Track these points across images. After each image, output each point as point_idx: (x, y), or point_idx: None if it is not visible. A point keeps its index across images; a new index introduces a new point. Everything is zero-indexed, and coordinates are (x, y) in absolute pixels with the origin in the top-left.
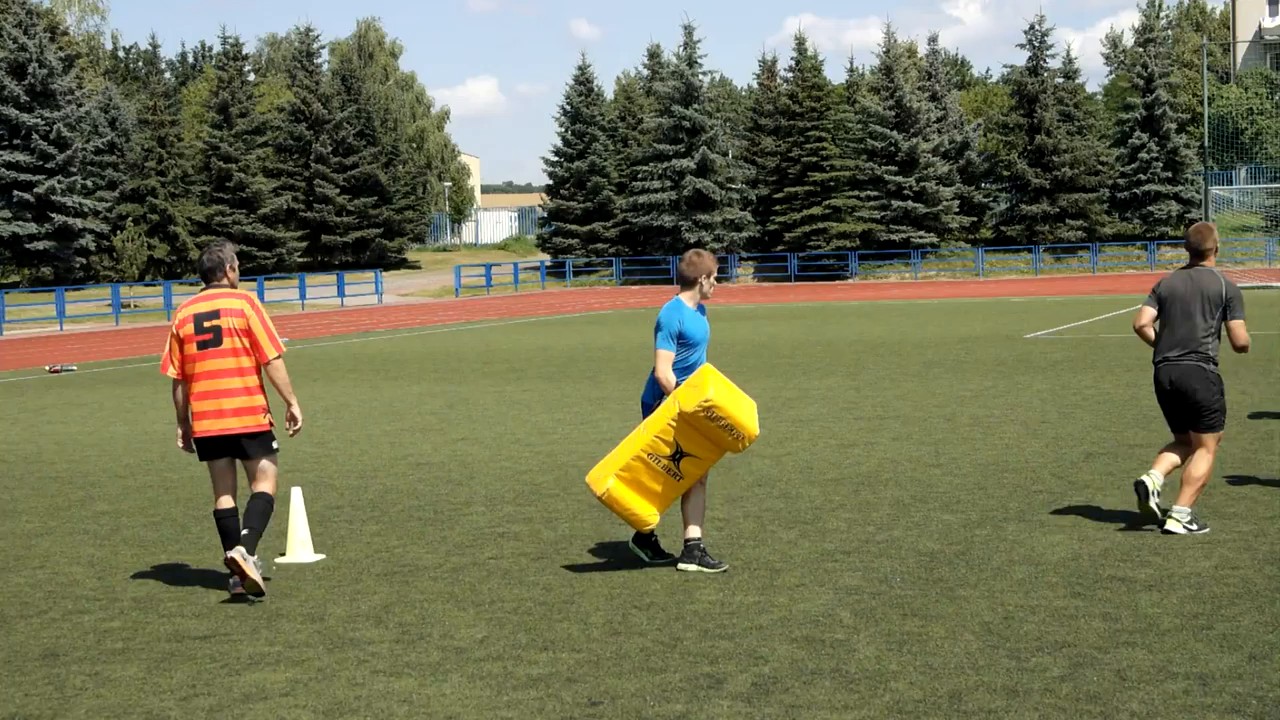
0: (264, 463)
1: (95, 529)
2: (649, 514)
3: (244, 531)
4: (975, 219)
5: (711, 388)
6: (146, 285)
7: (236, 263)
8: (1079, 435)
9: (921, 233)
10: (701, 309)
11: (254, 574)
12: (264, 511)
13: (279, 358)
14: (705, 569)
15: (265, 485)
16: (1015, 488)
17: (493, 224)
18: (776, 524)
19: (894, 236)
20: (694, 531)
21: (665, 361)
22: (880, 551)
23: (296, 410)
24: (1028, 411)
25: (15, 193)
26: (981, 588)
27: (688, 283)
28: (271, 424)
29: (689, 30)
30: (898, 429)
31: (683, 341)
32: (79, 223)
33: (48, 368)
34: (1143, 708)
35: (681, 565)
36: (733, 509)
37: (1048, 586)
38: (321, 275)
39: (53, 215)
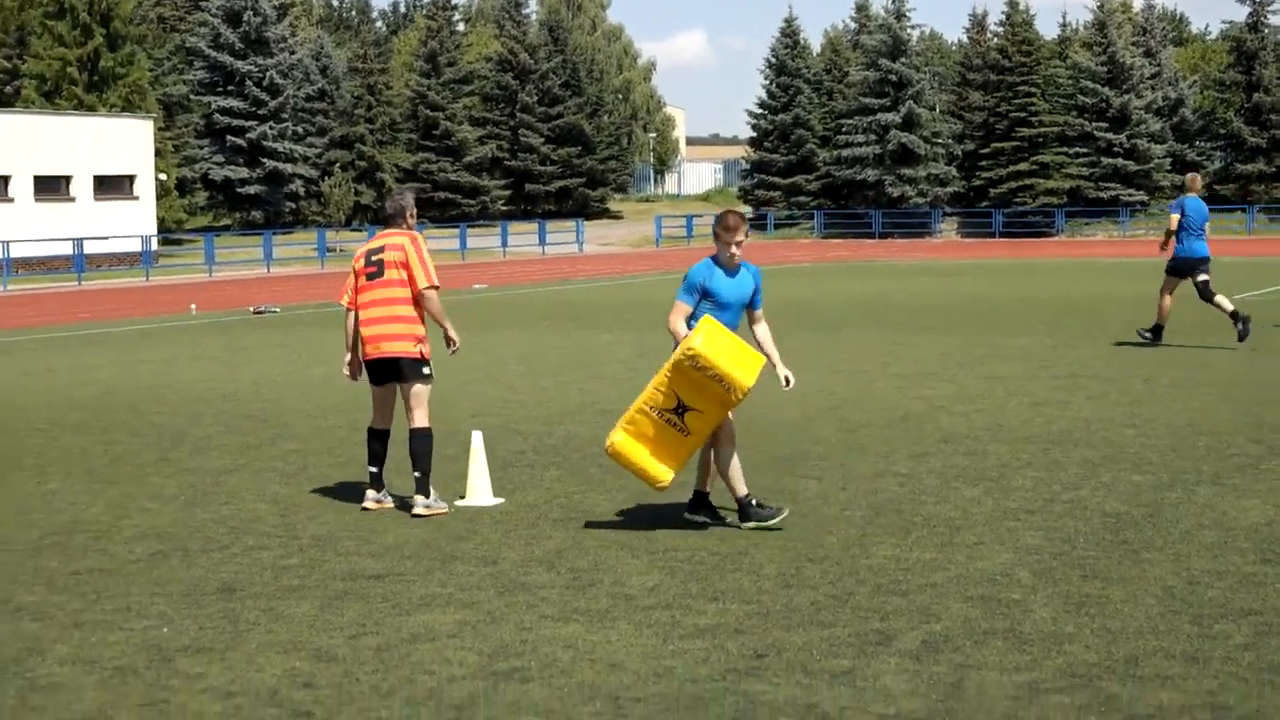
0: (417, 387)
1: (283, 467)
2: (659, 471)
3: (415, 474)
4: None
5: (700, 336)
6: (353, 230)
7: (414, 210)
8: (1278, 399)
9: (1131, 190)
10: (743, 270)
11: (388, 504)
12: (425, 451)
13: (430, 288)
14: (765, 523)
15: (419, 415)
16: (1209, 450)
17: (696, 176)
18: (960, 481)
19: (1103, 194)
20: (739, 489)
21: (677, 313)
22: (1065, 512)
23: (453, 334)
24: (1228, 374)
25: (229, 138)
26: (1167, 551)
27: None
28: (423, 354)
29: None
30: (1093, 388)
31: (713, 300)
32: (289, 168)
33: (252, 309)
34: None
35: (744, 525)
36: (916, 464)
37: (1237, 552)
38: (524, 224)
39: (264, 160)
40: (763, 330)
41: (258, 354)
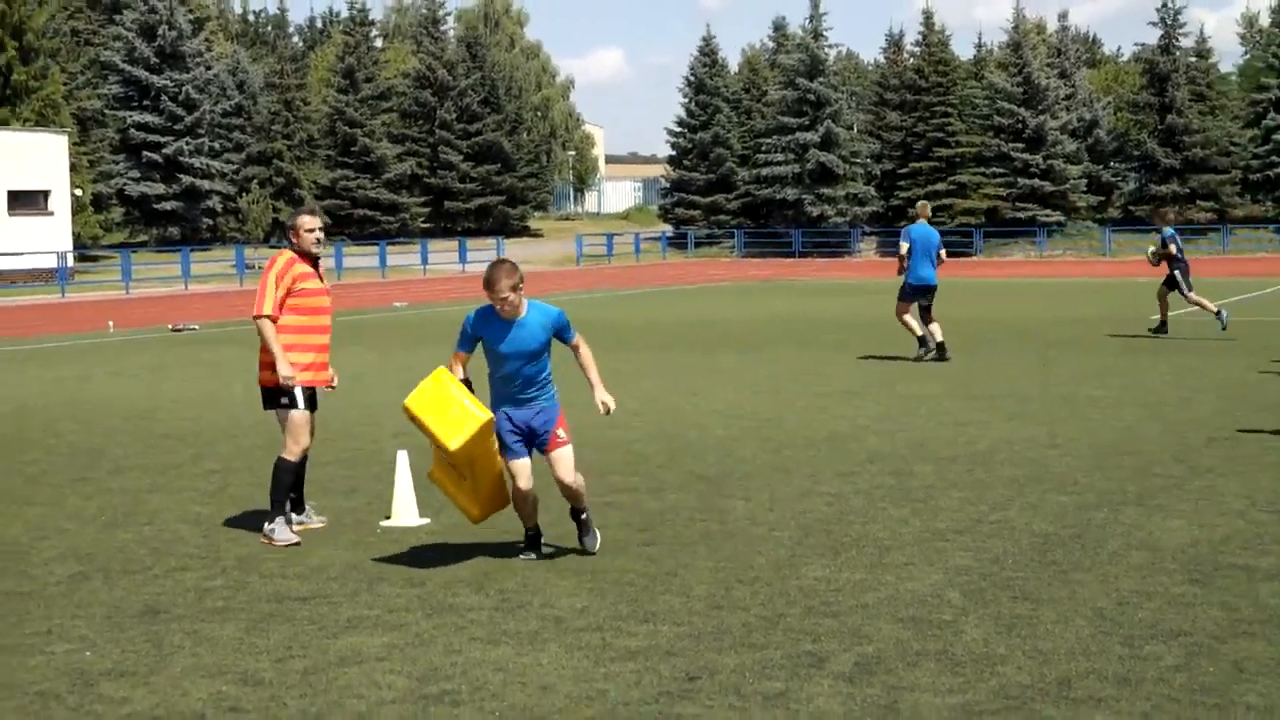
0: (278, 417)
1: (204, 486)
2: (466, 505)
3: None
4: (1103, 198)
5: (417, 390)
6: (271, 247)
7: (298, 227)
8: (1202, 419)
9: (1048, 211)
10: (532, 317)
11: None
12: (273, 478)
13: (256, 318)
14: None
15: (283, 445)
16: (1134, 470)
17: (616, 194)
18: (887, 501)
19: (1020, 214)
20: (577, 505)
21: (453, 360)
22: (993, 532)
23: (283, 369)
24: (1149, 393)
25: (145, 153)
26: (1096, 572)
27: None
28: (276, 381)
29: (815, 3)
30: (1014, 408)
31: (490, 351)
32: (206, 184)
33: (170, 326)
34: (1260, 700)
35: (584, 542)
36: (843, 484)
37: (1165, 573)
38: (444, 241)
39: (180, 176)
40: (584, 353)
41: (177, 371)
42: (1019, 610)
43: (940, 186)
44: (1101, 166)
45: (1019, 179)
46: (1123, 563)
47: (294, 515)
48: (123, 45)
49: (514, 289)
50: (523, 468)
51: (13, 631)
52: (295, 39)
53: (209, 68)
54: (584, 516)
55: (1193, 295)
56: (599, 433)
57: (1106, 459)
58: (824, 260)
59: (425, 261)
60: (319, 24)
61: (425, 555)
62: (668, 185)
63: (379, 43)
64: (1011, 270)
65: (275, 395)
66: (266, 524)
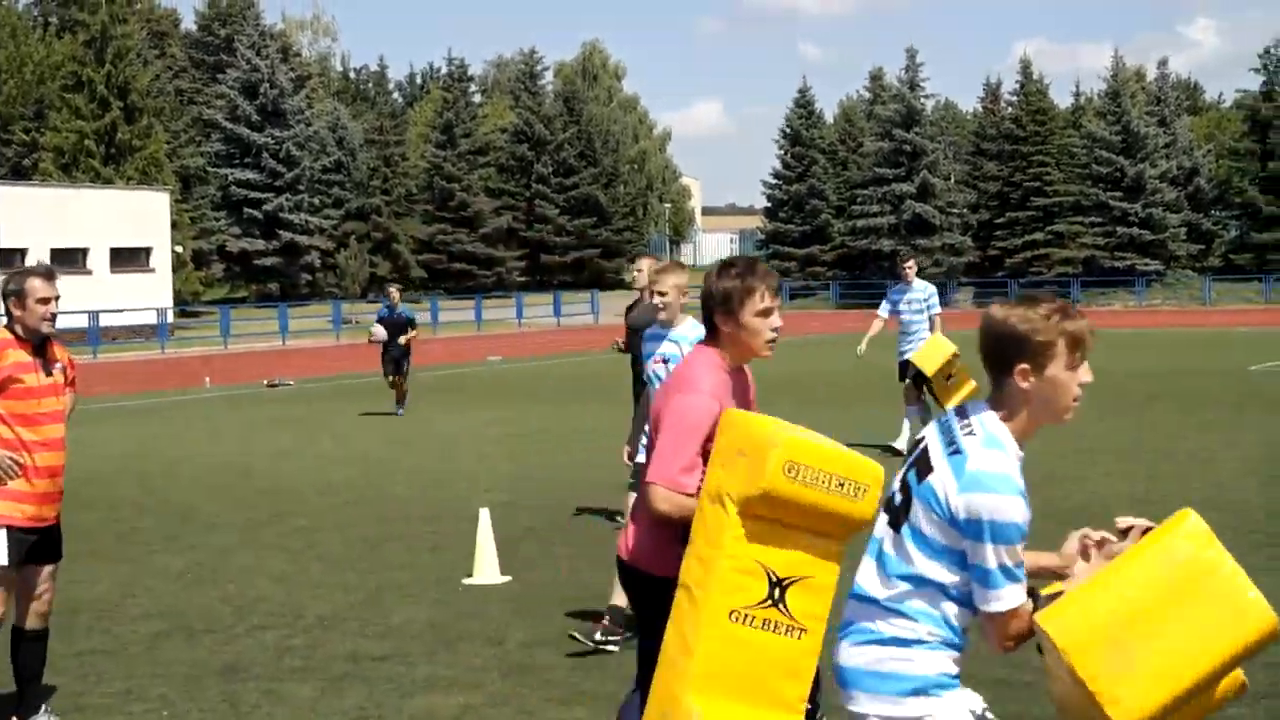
0: None
1: (289, 544)
2: None
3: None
4: (1203, 246)
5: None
6: (369, 302)
7: (34, 295)
8: None
9: (1147, 260)
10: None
11: None
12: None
13: None
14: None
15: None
16: (1225, 527)
17: (712, 245)
18: None
19: (1118, 263)
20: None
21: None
22: None
23: None
24: (1248, 448)
25: (245, 210)
26: None
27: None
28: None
29: (912, 54)
30: (1110, 464)
31: None
32: (305, 239)
33: (266, 382)
34: None
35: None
36: None
37: None
38: (539, 294)
39: (280, 232)
40: None
41: (269, 427)
42: None
43: (1037, 236)
44: (1202, 215)
45: (1117, 228)
46: None
47: None
48: (225, 103)
49: None
50: None
51: (92, 691)
52: (395, 95)
53: (309, 124)
54: None
55: None
56: None
57: (1201, 515)
58: None
59: (520, 315)
60: (419, 80)
61: (505, 615)
62: (763, 237)
63: (477, 98)
64: (1110, 320)
65: None
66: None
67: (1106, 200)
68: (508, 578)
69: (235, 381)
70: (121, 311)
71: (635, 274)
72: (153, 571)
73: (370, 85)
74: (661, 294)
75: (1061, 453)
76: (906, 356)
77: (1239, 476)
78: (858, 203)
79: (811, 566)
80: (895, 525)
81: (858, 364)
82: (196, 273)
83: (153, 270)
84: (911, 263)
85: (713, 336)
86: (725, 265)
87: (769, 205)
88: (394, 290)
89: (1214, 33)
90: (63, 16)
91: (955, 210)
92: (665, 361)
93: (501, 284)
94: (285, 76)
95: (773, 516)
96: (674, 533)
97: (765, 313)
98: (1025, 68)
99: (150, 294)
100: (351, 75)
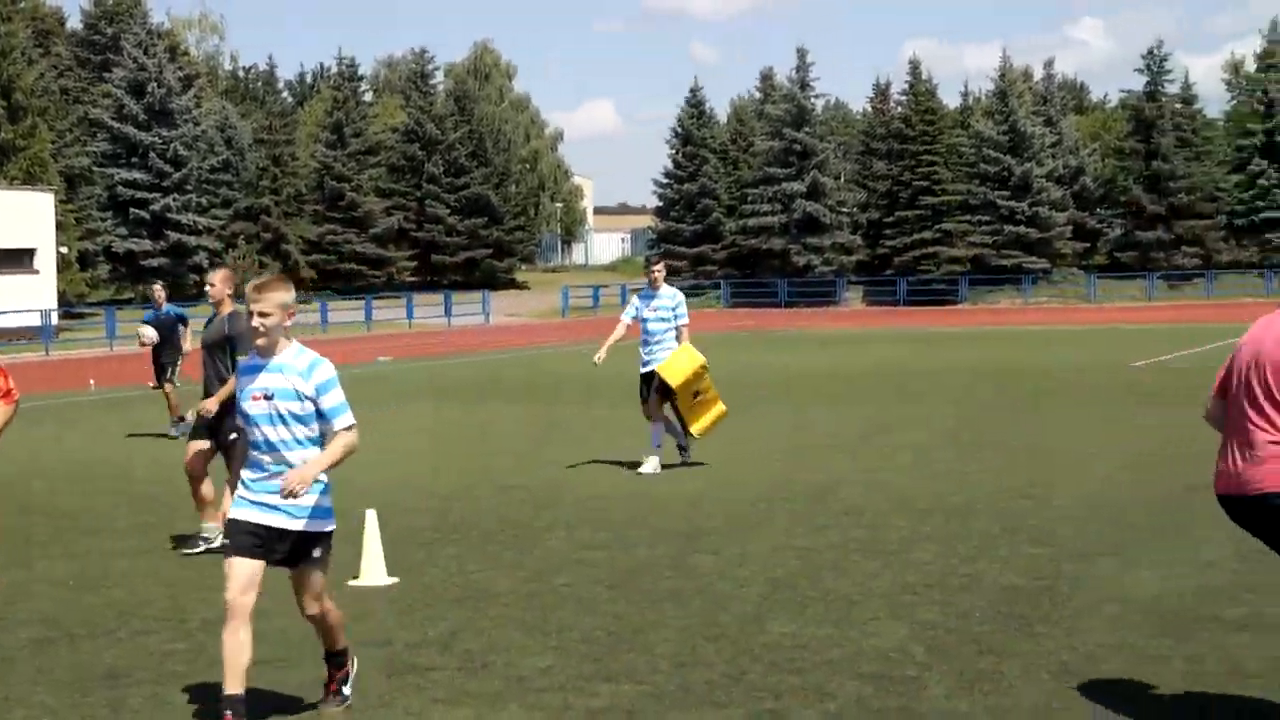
0: None
1: (174, 547)
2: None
3: None
4: (1088, 245)
5: None
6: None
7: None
8: (1182, 469)
9: (1033, 258)
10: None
11: None
12: None
13: None
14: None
15: None
16: (1109, 522)
17: (604, 245)
18: (860, 554)
19: (1005, 261)
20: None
21: None
22: (962, 586)
23: None
24: (1129, 443)
25: (132, 210)
26: (1063, 625)
27: None
28: None
29: (802, 53)
30: (994, 459)
31: None
32: (193, 240)
33: (152, 384)
34: None
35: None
36: (816, 538)
37: (1133, 626)
38: (430, 295)
39: (167, 233)
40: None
41: (156, 430)
42: (982, 665)
43: (926, 234)
44: (1087, 213)
45: (1005, 226)
46: (1093, 616)
47: None
48: (112, 103)
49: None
50: None
51: None
52: (284, 94)
53: (197, 124)
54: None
55: None
56: (577, 488)
57: (1083, 510)
58: (811, 310)
59: (411, 316)
60: (308, 79)
61: (391, 616)
62: (655, 236)
63: (368, 97)
64: (997, 318)
65: None
66: None
67: (994, 199)
68: (394, 579)
69: (121, 383)
70: (5, 314)
71: (209, 286)
72: (35, 577)
73: (259, 84)
74: (264, 315)
75: (949, 448)
76: (651, 368)
77: (1120, 471)
78: (749, 202)
79: None
80: None
81: (748, 363)
82: (82, 274)
83: (37, 272)
84: (660, 266)
85: None
86: None
87: (660, 205)
88: (158, 288)
89: (1100, 33)
90: None
91: (845, 209)
92: (269, 398)
93: (392, 284)
94: (173, 75)
95: None
96: None
97: None
98: (914, 68)
99: (34, 295)
100: (240, 74)
